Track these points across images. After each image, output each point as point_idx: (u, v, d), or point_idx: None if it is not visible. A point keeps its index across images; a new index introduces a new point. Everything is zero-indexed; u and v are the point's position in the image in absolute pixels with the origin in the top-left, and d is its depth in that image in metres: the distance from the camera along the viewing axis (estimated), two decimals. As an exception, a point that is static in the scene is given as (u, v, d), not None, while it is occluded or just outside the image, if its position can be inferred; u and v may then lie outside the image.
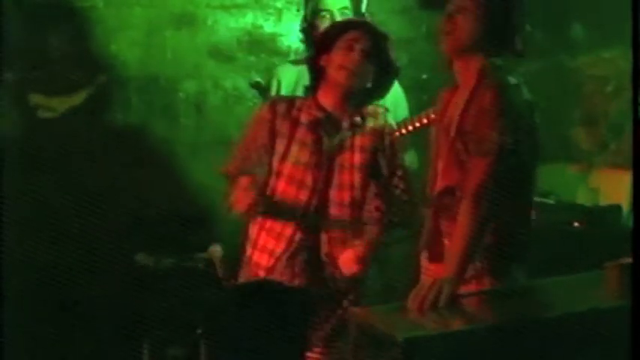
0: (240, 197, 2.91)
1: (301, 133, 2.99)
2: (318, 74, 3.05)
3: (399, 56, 4.58)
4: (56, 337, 3.96)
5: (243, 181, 2.98)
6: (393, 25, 4.66)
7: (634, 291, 2.13)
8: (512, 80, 2.63)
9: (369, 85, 3.02)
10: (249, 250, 3.08)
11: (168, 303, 3.75)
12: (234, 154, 3.10)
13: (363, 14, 3.92)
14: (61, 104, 4.22)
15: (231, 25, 4.44)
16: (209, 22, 4.43)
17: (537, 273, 2.65)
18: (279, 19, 4.50)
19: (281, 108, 3.04)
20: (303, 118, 3.01)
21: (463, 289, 2.49)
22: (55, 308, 3.97)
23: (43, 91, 4.19)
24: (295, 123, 3.01)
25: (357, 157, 3.01)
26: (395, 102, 3.78)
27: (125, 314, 3.88)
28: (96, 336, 4.01)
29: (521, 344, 2.19)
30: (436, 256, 2.67)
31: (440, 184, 2.66)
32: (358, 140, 3.02)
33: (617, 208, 4.07)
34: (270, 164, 3.00)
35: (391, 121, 3.20)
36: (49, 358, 3.97)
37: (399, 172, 3.07)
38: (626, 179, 3.93)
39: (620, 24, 3.20)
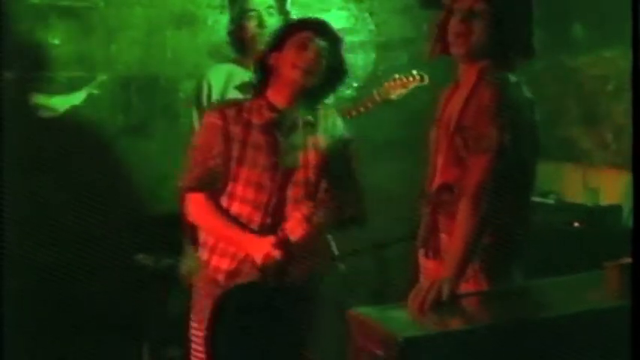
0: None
1: (255, 135, 2.98)
2: (266, 72, 3.03)
3: (399, 56, 4.60)
4: (56, 337, 3.96)
5: (199, 198, 3.00)
6: (393, 25, 4.68)
7: (634, 291, 2.13)
8: (512, 78, 2.64)
9: (319, 83, 3.02)
10: (205, 255, 3.05)
11: (167, 303, 3.76)
12: (190, 166, 3.03)
13: (287, 12, 3.91)
14: (61, 104, 4.23)
15: (231, 25, 4.44)
16: (209, 22, 4.43)
17: (537, 273, 2.65)
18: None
19: (230, 112, 3.00)
20: (255, 120, 2.99)
21: (461, 289, 2.49)
22: (55, 308, 3.97)
23: (44, 90, 4.20)
24: (247, 126, 2.98)
25: (312, 156, 3.02)
26: None
27: (125, 314, 3.88)
28: (95, 336, 4.01)
29: (520, 344, 2.19)
30: (434, 253, 2.67)
31: (438, 181, 2.66)
32: (312, 139, 3.03)
33: (617, 208, 4.07)
34: (228, 172, 2.98)
35: (338, 121, 3.21)
36: (49, 358, 3.97)
37: (352, 171, 3.11)
38: (626, 179, 3.94)
39: (620, 24, 3.21)
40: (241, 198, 2.99)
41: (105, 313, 3.99)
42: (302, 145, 3.02)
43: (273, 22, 3.77)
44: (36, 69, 4.15)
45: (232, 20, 3.80)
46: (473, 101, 2.59)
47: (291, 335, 2.96)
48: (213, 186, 3.00)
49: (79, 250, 4.02)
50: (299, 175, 3.01)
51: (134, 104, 4.34)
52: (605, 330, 2.25)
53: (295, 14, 3.87)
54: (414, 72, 3.90)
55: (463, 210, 2.50)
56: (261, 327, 2.93)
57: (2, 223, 2.42)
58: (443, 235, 2.63)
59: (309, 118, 3.04)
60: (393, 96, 3.92)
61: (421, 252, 2.74)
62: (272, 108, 3.00)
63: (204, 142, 3.02)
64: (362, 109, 3.96)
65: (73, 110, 4.24)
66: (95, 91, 4.29)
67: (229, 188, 3.00)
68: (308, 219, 2.95)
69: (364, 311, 2.34)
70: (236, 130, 2.98)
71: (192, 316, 3.12)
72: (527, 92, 2.65)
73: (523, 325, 2.26)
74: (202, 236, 3.09)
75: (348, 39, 4.60)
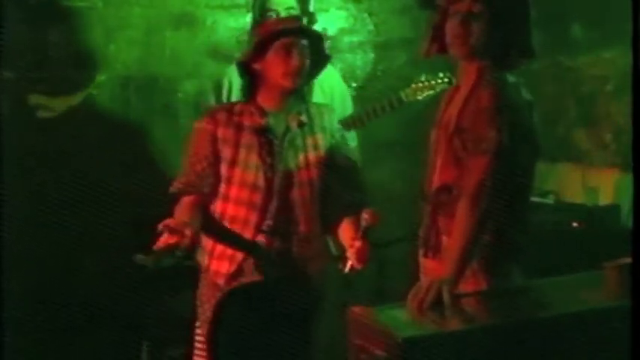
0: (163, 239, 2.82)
1: (247, 137, 3.00)
2: (253, 77, 3.04)
3: (398, 55, 4.60)
4: (55, 337, 3.96)
5: (185, 201, 3.00)
6: (392, 25, 4.68)
7: (634, 291, 2.13)
8: (511, 79, 2.64)
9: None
10: (205, 259, 3.07)
11: (167, 303, 3.76)
12: (182, 171, 3.07)
13: (311, 13, 3.92)
14: (60, 104, 4.22)
15: (230, 25, 4.44)
16: (208, 22, 4.43)
17: (536, 273, 2.65)
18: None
19: (221, 116, 3.04)
20: (247, 123, 3.01)
21: (460, 289, 2.49)
22: (54, 308, 3.96)
23: (43, 91, 4.20)
24: (239, 128, 3.01)
25: (312, 156, 3.04)
26: (332, 90, 3.88)
27: (124, 314, 3.88)
28: (95, 336, 4.01)
29: (519, 344, 2.19)
30: (434, 253, 2.67)
31: (437, 182, 2.66)
32: (309, 139, 3.05)
33: (617, 208, 4.07)
34: (217, 174, 3.00)
35: (335, 117, 3.24)
36: (49, 358, 3.97)
37: (355, 165, 3.16)
38: (625, 179, 3.94)
39: (620, 24, 3.21)
40: (236, 199, 3.00)
41: (104, 312, 3.99)
42: (301, 147, 3.03)
43: None
44: (35, 69, 4.15)
45: (254, 19, 3.81)
46: (471, 102, 2.59)
47: (293, 334, 2.97)
48: (201, 189, 3.01)
49: (78, 250, 4.03)
50: (302, 176, 3.02)
51: (133, 104, 4.34)
52: (604, 330, 2.25)
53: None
54: (441, 74, 3.87)
55: (461, 210, 2.50)
56: (263, 327, 2.94)
57: (2, 222, 2.43)
58: (443, 238, 2.63)
59: (303, 119, 3.05)
60: (420, 97, 3.90)
61: (421, 252, 2.74)
62: (263, 112, 3.02)
63: (196, 147, 3.05)
64: (387, 109, 3.93)
65: (72, 110, 4.24)
66: (94, 91, 4.29)
67: (223, 190, 3.01)
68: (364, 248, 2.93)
69: (364, 311, 2.34)
70: (227, 132, 3.01)
71: (197, 321, 3.13)
72: (525, 93, 2.65)
73: (522, 325, 2.26)
74: (203, 240, 3.09)
75: (347, 39, 4.63)
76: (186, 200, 3.01)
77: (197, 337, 3.14)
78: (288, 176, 3.00)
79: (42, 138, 4.11)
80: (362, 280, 3.52)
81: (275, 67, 2.97)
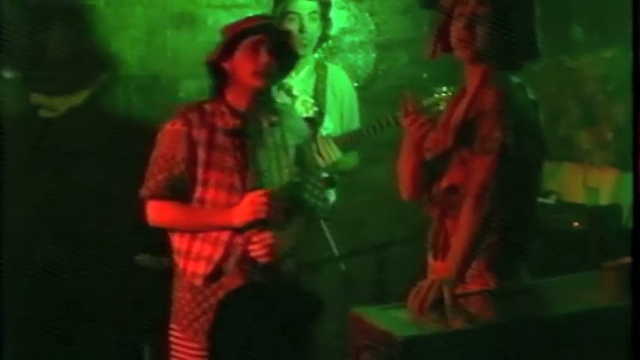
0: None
1: (220, 138, 2.99)
2: (221, 76, 3.04)
3: (399, 56, 4.60)
4: (56, 336, 3.96)
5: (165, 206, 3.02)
6: (393, 25, 4.68)
7: (634, 291, 2.13)
8: (516, 79, 2.64)
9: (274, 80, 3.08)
10: (180, 262, 3.04)
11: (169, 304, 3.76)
12: (153, 173, 3.03)
13: (329, 19, 3.92)
14: (62, 104, 4.22)
15: (231, 24, 4.44)
16: (210, 22, 4.43)
17: (537, 273, 2.65)
18: (279, 18, 4.49)
19: (194, 117, 3.00)
20: (219, 124, 3.00)
21: (466, 288, 2.49)
22: (54, 308, 3.97)
23: (44, 90, 4.20)
24: (212, 129, 2.99)
25: (282, 155, 3.05)
26: (343, 93, 3.91)
27: (126, 315, 3.88)
28: (95, 336, 4.01)
29: (519, 344, 2.19)
30: (442, 254, 2.67)
31: (445, 183, 2.66)
32: (279, 138, 3.06)
33: (617, 207, 4.07)
34: (193, 175, 2.99)
35: (299, 117, 3.29)
36: (48, 357, 3.97)
37: (317, 169, 3.21)
38: (626, 179, 3.94)
39: (620, 24, 3.21)
40: (213, 202, 2.98)
41: (106, 313, 3.99)
42: (272, 147, 3.03)
43: (314, 27, 3.80)
44: (36, 69, 4.15)
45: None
46: (476, 103, 2.60)
47: (292, 338, 2.96)
48: (177, 193, 2.99)
49: (79, 251, 4.02)
50: (275, 177, 3.02)
51: (135, 104, 4.33)
52: (603, 330, 2.26)
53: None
54: (445, 88, 3.77)
55: (466, 210, 2.50)
56: (263, 330, 2.94)
57: (2, 222, 2.43)
58: (452, 238, 2.63)
59: (274, 118, 3.05)
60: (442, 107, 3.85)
61: (430, 254, 2.74)
62: (234, 112, 3.01)
63: (168, 149, 3.00)
64: (392, 123, 3.80)
65: (73, 110, 4.24)
66: (95, 91, 4.29)
67: (198, 194, 3.00)
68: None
69: (364, 311, 2.34)
70: (201, 133, 2.99)
71: (172, 321, 3.10)
72: (530, 93, 2.65)
73: (522, 324, 2.26)
74: (175, 243, 3.06)
75: (347, 39, 4.63)
76: (164, 204, 3.00)
77: (173, 339, 3.11)
78: (261, 176, 2.99)
79: (43, 137, 4.11)
80: (362, 281, 3.53)
81: (243, 66, 2.97)
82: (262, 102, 3.05)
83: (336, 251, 3.46)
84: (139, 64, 4.33)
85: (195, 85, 4.40)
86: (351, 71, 4.43)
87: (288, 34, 3.11)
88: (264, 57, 2.95)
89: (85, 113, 4.24)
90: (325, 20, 3.90)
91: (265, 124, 3.03)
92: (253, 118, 3.02)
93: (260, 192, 2.93)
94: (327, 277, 3.38)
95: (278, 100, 3.53)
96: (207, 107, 3.04)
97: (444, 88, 3.76)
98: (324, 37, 3.96)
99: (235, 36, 3.00)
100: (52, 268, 4.01)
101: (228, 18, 4.41)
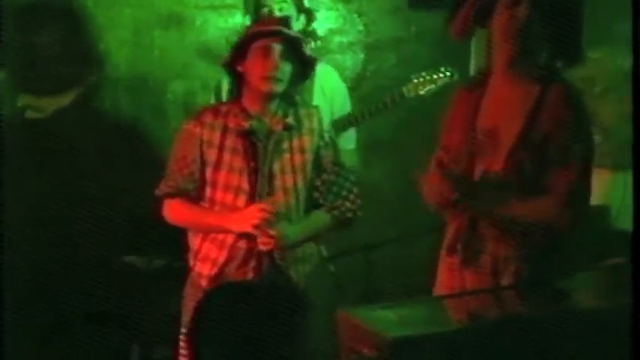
0: None
1: (231, 140, 3.01)
2: (237, 79, 3.05)
3: (388, 57, 4.59)
4: (46, 336, 3.95)
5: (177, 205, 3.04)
6: (383, 25, 4.68)
7: (634, 291, 2.13)
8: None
9: (291, 84, 3.04)
10: (192, 262, 3.09)
11: (159, 304, 3.75)
12: (166, 173, 3.08)
13: (308, 10, 3.88)
14: (49, 104, 4.21)
15: (219, 25, 4.44)
16: (197, 23, 4.42)
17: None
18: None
19: (207, 118, 3.04)
20: (231, 125, 3.02)
21: (501, 282, 2.52)
22: (46, 308, 3.96)
23: (32, 91, 4.18)
24: (224, 131, 3.02)
25: (298, 159, 3.04)
26: (333, 91, 3.85)
27: (115, 315, 3.87)
28: (85, 336, 4.00)
29: (512, 344, 2.19)
30: (472, 260, 2.65)
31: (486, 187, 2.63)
32: (296, 142, 3.05)
33: (606, 208, 4.07)
34: (202, 176, 3.01)
35: (325, 119, 3.24)
36: (41, 357, 3.96)
37: (342, 170, 3.13)
38: (615, 180, 3.95)
39: (605, 24, 3.22)
40: (221, 203, 3.01)
41: (95, 313, 3.98)
42: (287, 150, 3.03)
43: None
44: (23, 69, 4.14)
45: (250, 19, 3.77)
46: (544, 112, 2.58)
47: (278, 336, 2.96)
48: (189, 192, 3.03)
49: (70, 251, 4.01)
50: (287, 181, 3.01)
51: (123, 104, 4.33)
52: (596, 330, 2.26)
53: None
54: (442, 68, 3.84)
55: (546, 202, 2.53)
56: (245, 327, 2.93)
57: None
58: (486, 244, 2.61)
59: (289, 121, 3.04)
60: (422, 92, 3.86)
61: (456, 260, 2.70)
62: (247, 114, 3.02)
63: (182, 150, 3.05)
64: (389, 105, 3.89)
65: (61, 111, 4.23)
66: (83, 91, 4.28)
67: (208, 194, 3.03)
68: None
69: (353, 311, 2.34)
70: (213, 135, 3.01)
71: (182, 322, 3.12)
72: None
73: (514, 324, 2.26)
74: (190, 241, 3.11)
75: (336, 39, 4.62)
76: (176, 203, 3.01)
77: (182, 337, 3.13)
78: (272, 180, 2.99)
79: (31, 138, 4.10)
80: (352, 281, 3.53)
81: (253, 70, 2.98)
82: (278, 105, 3.04)
83: (324, 252, 3.46)
84: (127, 65, 4.33)
85: (183, 86, 4.40)
86: (340, 72, 4.42)
87: (298, 39, 3.09)
88: (272, 61, 2.95)
89: (72, 114, 4.23)
90: (304, 12, 3.84)
91: (279, 128, 3.02)
92: (265, 122, 3.02)
93: (261, 205, 2.94)
94: (315, 276, 3.37)
95: (314, 102, 3.54)
96: (223, 108, 3.08)
97: (424, 72, 3.82)
98: (308, 34, 3.88)
99: (246, 39, 3.00)
100: (43, 268, 3.99)
101: (216, 19, 4.41)
